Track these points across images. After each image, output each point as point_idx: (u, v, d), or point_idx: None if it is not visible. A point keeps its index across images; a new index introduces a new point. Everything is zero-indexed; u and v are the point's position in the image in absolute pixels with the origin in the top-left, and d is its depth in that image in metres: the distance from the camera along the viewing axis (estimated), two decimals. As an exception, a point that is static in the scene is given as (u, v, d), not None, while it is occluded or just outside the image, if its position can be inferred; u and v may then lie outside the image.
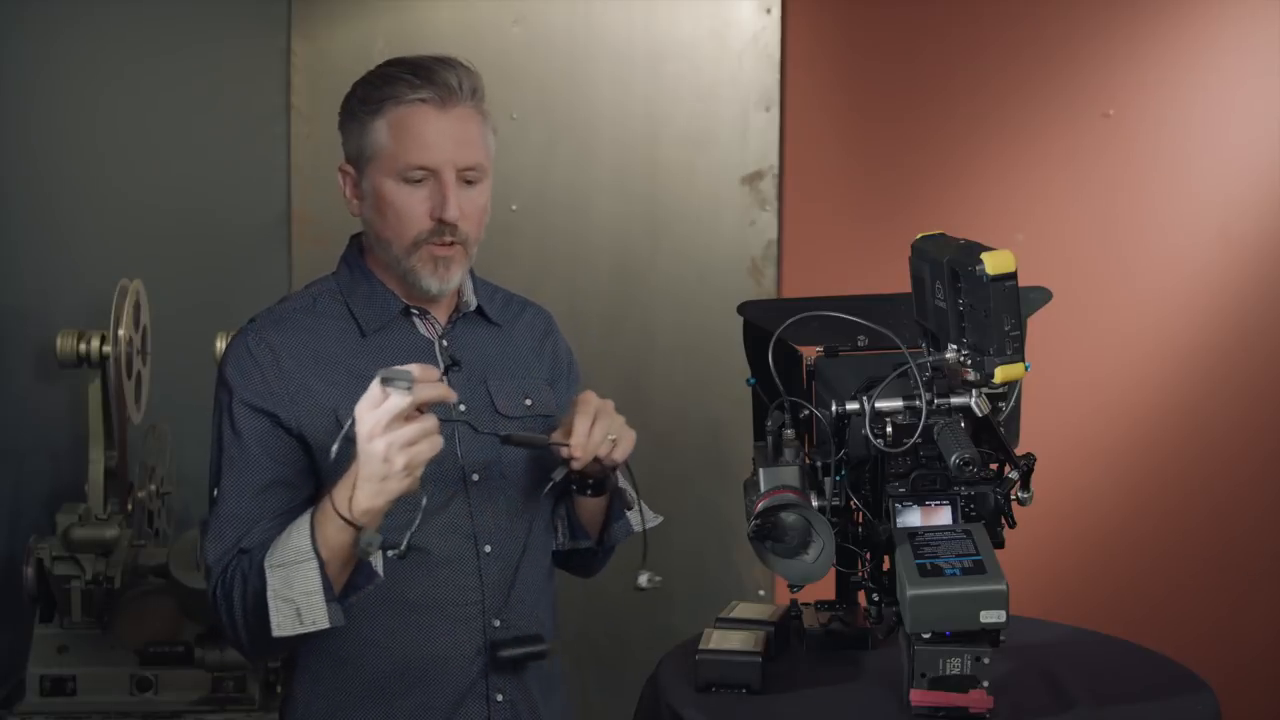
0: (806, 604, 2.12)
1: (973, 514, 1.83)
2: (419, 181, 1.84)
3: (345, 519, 1.68)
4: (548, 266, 3.37)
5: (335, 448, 1.67)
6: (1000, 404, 1.87)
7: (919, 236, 1.94)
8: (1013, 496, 1.86)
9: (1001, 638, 1.73)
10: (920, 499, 1.83)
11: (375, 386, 1.64)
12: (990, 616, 1.69)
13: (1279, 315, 3.31)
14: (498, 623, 1.89)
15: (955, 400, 1.84)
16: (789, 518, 1.80)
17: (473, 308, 1.97)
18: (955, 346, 1.81)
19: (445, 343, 1.93)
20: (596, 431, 1.82)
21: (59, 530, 2.82)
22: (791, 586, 1.83)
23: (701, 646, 1.93)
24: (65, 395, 3.21)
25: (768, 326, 1.96)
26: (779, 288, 3.40)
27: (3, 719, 2.82)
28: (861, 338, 2.01)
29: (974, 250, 1.73)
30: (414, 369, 1.64)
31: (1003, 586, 1.69)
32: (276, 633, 1.70)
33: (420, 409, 1.66)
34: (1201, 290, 3.32)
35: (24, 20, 3.26)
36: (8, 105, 3.25)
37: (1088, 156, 3.33)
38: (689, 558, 3.37)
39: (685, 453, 3.38)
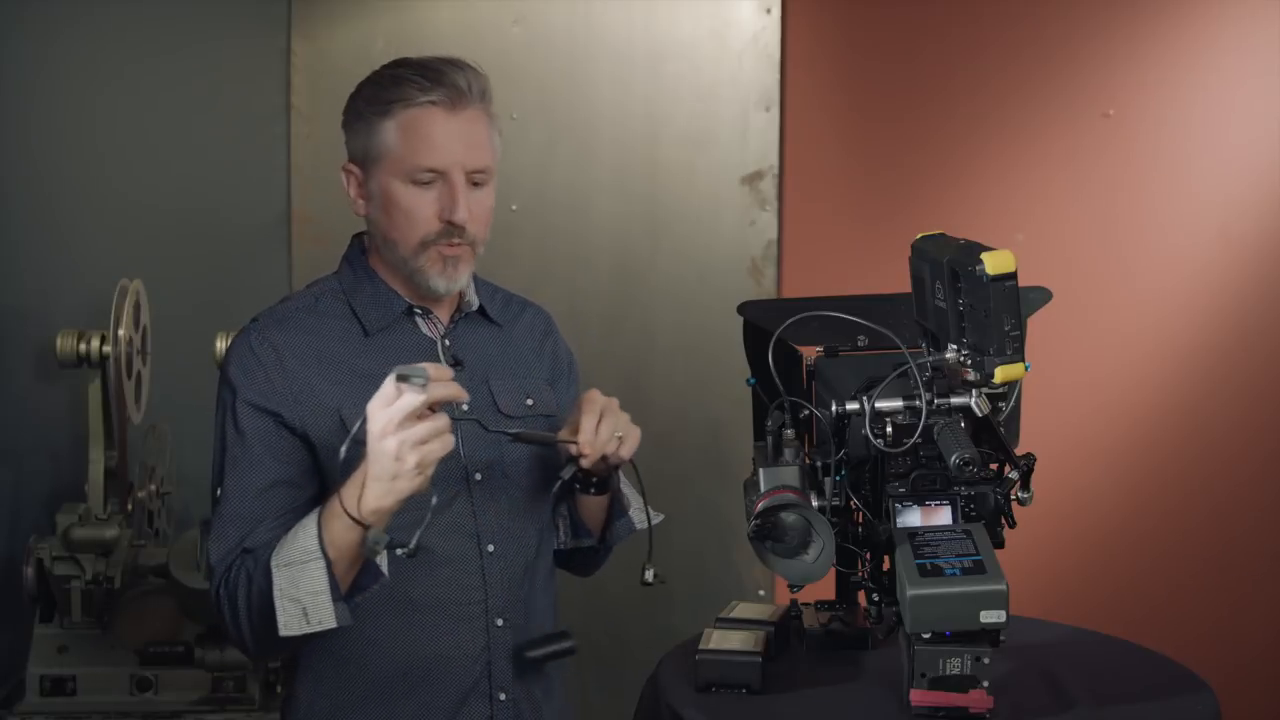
0: (806, 604, 2.12)
1: (973, 514, 1.83)
2: (428, 183, 1.84)
3: (353, 518, 1.68)
4: (548, 266, 3.37)
5: (345, 448, 1.67)
6: (1000, 404, 1.87)
7: (919, 236, 1.94)
8: (1013, 496, 1.86)
9: (1001, 638, 1.73)
10: (920, 499, 1.83)
11: (389, 384, 1.64)
12: (990, 616, 1.69)
13: (1279, 315, 3.31)
14: (500, 622, 1.89)
15: (955, 400, 1.84)
16: (789, 518, 1.80)
17: (475, 307, 1.97)
18: (955, 346, 1.81)
19: (448, 342, 1.94)
20: (603, 429, 1.83)
21: (59, 530, 2.82)
22: (791, 586, 1.83)
23: (701, 646, 1.93)
24: (65, 395, 3.21)
25: (768, 326, 1.96)
26: (779, 288, 3.40)
27: (3, 719, 2.82)
28: (861, 338, 2.01)
29: (974, 250, 1.73)
30: (428, 367, 1.64)
31: (1003, 586, 1.69)
32: (283, 632, 1.70)
33: (431, 408, 1.66)
34: (1201, 290, 3.32)
35: (24, 20, 3.26)
36: (8, 105, 3.25)
37: (1088, 156, 3.33)
38: (689, 558, 3.37)
39: (685, 453, 3.38)
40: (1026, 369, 1.76)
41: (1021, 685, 1.89)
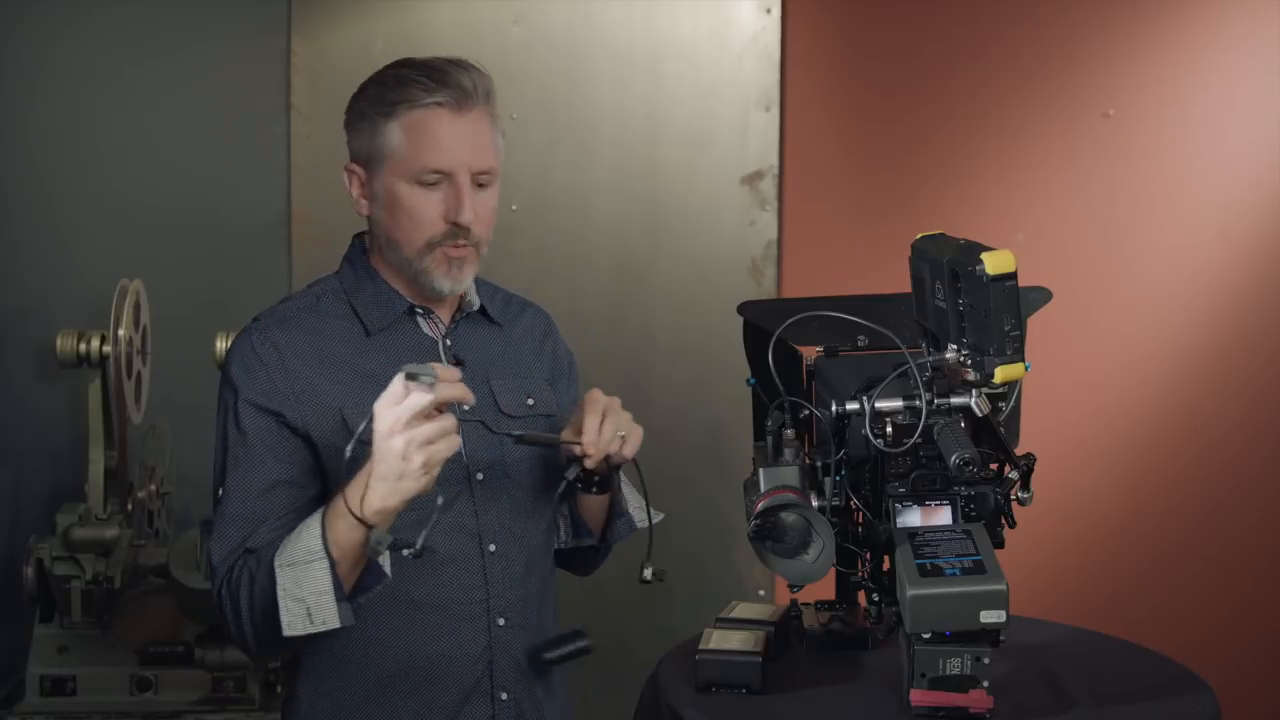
0: (806, 604, 2.12)
1: (973, 514, 1.83)
2: (433, 184, 1.84)
3: (357, 517, 1.68)
4: (548, 266, 3.37)
5: (350, 447, 1.67)
6: (1000, 404, 1.87)
7: (919, 236, 1.94)
8: (1013, 496, 1.86)
9: (1001, 638, 1.73)
10: (920, 499, 1.83)
11: (397, 383, 1.64)
12: (990, 616, 1.69)
13: (1279, 315, 3.31)
14: (502, 621, 1.90)
15: (955, 400, 1.84)
16: (789, 518, 1.80)
17: (476, 307, 1.98)
18: (955, 346, 1.81)
19: (449, 342, 1.94)
20: (606, 429, 1.83)
21: (59, 530, 2.82)
22: (791, 586, 1.83)
23: (701, 646, 1.93)
24: (65, 395, 3.21)
25: (768, 326, 1.96)
26: (779, 288, 3.40)
27: (3, 719, 2.82)
28: (861, 338, 2.01)
29: (974, 250, 1.73)
30: (436, 368, 1.64)
31: (1003, 586, 1.69)
32: (287, 632, 1.70)
33: (438, 408, 1.65)
34: (1201, 290, 3.32)
35: (24, 20, 3.26)
36: (8, 105, 3.25)
37: (1088, 156, 3.33)
38: (689, 558, 3.37)
39: (685, 453, 3.38)
40: (1026, 369, 1.76)
41: (1021, 685, 1.89)
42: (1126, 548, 3.36)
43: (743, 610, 2.09)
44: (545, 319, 2.10)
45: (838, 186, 3.40)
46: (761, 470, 1.90)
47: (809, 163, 3.39)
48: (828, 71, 3.39)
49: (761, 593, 3.38)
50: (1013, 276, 1.71)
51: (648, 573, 1.92)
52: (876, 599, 1.91)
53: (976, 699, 1.72)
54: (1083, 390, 3.33)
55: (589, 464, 1.84)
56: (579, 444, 1.83)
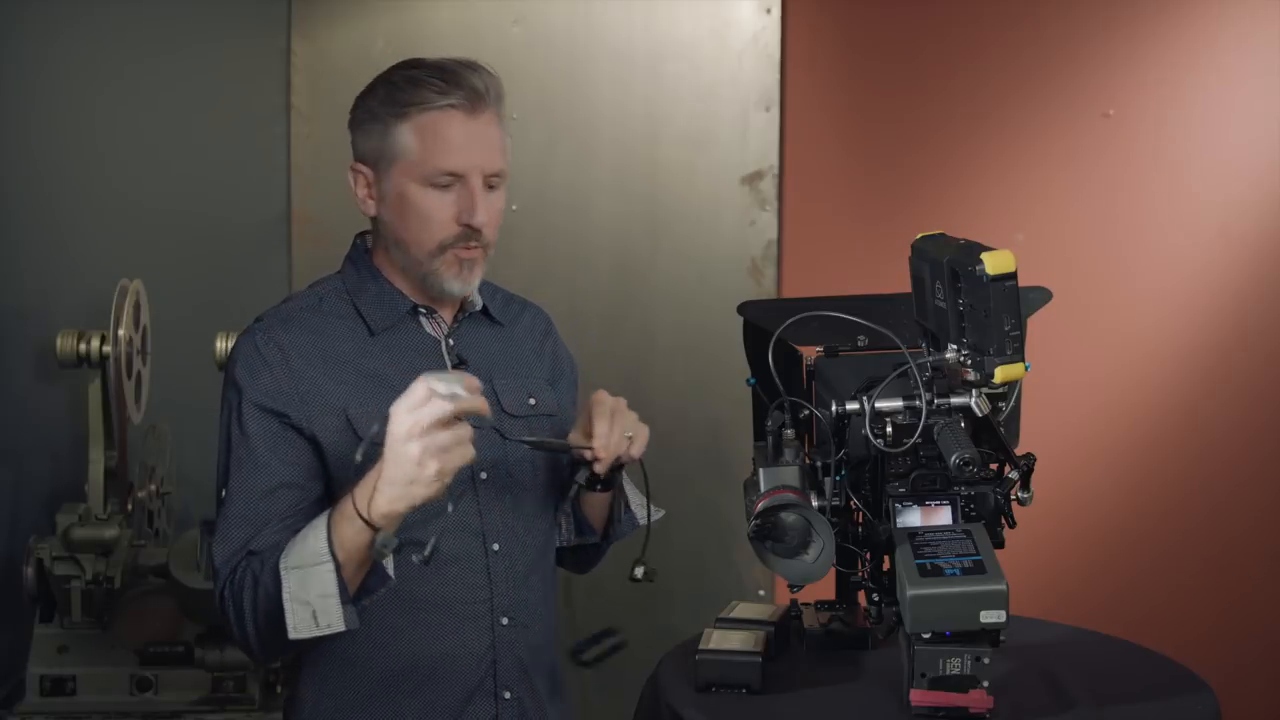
0: (806, 604, 2.12)
1: (973, 514, 1.83)
2: (446, 186, 1.84)
3: (364, 519, 1.67)
4: (548, 266, 3.37)
5: (360, 451, 1.67)
6: (1000, 404, 1.87)
7: (919, 236, 1.94)
8: (1013, 496, 1.86)
9: (1001, 638, 1.73)
10: (920, 499, 1.83)
11: (419, 388, 1.64)
12: (990, 616, 1.69)
13: (1279, 315, 3.31)
14: (505, 621, 1.90)
15: (955, 400, 1.84)
16: (789, 518, 1.80)
17: (479, 307, 1.98)
18: (955, 346, 1.81)
19: (451, 342, 1.94)
20: (615, 431, 1.84)
21: (59, 530, 2.82)
22: (791, 586, 1.83)
23: (701, 646, 1.93)
24: (65, 395, 3.21)
25: (768, 326, 1.96)
26: (779, 288, 3.40)
27: (3, 719, 2.82)
28: (861, 338, 2.01)
29: (974, 250, 1.73)
30: (461, 377, 1.65)
31: (1003, 586, 1.69)
32: (293, 635, 1.69)
33: (457, 417, 1.66)
34: (1201, 290, 3.32)
35: (24, 20, 3.26)
36: (8, 105, 3.25)
37: (1088, 156, 3.33)
38: (689, 558, 3.37)
39: (685, 453, 3.38)
40: (1026, 369, 1.76)
41: (1021, 685, 1.89)
42: (1126, 548, 3.36)
43: (743, 610, 2.09)
44: (545, 319, 2.10)
45: (838, 186, 3.40)
46: (761, 470, 1.90)
47: (809, 163, 3.39)
48: (828, 71, 3.39)
49: (761, 593, 3.38)
50: (1013, 276, 1.71)
51: (639, 571, 1.93)
52: (876, 599, 1.91)
53: (976, 699, 1.72)
54: (1083, 390, 3.33)
55: (599, 468, 1.85)
56: (590, 448, 1.84)
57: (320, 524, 1.71)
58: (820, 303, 2.01)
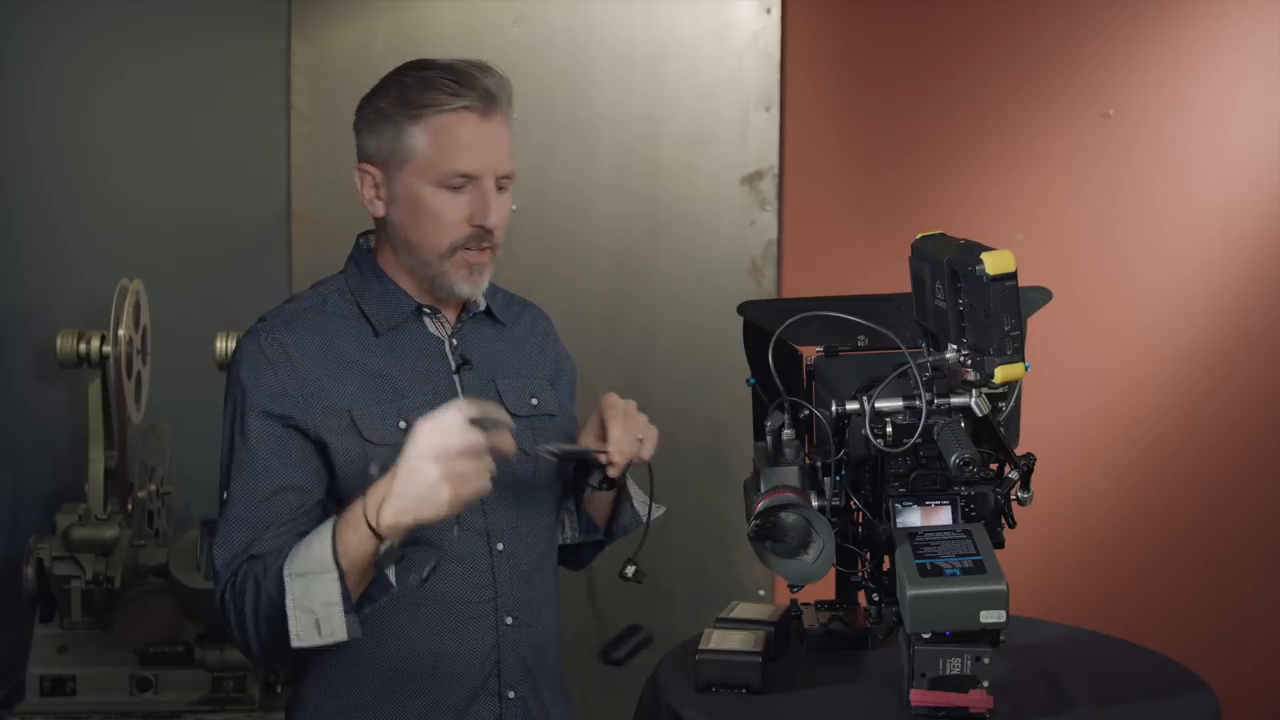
0: (806, 604, 2.12)
1: (973, 514, 1.83)
2: (458, 188, 1.85)
3: (371, 527, 1.67)
4: (548, 266, 3.36)
5: (375, 469, 1.68)
6: (1000, 404, 1.87)
7: (919, 236, 1.94)
8: (1013, 496, 1.86)
9: (1001, 638, 1.73)
10: (920, 499, 1.83)
11: (454, 414, 1.65)
12: (990, 616, 1.69)
13: (1279, 315, 3.31)
14: (510, 620, 1.90)
15: (955, 400, 1.84)
16: (789, 518, 1.80)
17: (482, 308, 1.98)
18: (955, 346, 1.81)
19: (455, 342, 1.94)
20: (627, 434, 1.86)
21: (59, 530, 2.82)
22: (791, 586, 1.83)
23: (701, 646, 1.94)
24: (65, 395, 3.21)
25: (768, 326, 1.96)
26: (779, 288, 3.40)
27: (3, 719, 2.82)
28: (861, 338, 2.01)
29: (974, 250, 1.73)
30: (499, 412, 1.68)
31: (1003, 586, 1.69)
32: (296, 643, 1.69)
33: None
34: (1201, 290, 3.32)
35: (24, 20, 3.26)
36: (8, 105, 3.25)
37: (1088, 156, 3.33)
38: (689, 558, 3.37)
39: (685, 453, 3.37)
40: (1026, 369, 1.76)
41: (1021, 685, 1.89)
42: (1126, 548, 3.36)
43: (743, 610, 2.09)
44: (546, 319, 2.11)
45: (838, 186, 3.40)
46: (761, 470, 1.90)
47: (809, 163, 3.39)
48: (828, 71, 3.39)
49: (761, 593, 3.38)
50: (1013, 276, 1.71)
51: (629, 570, 1.95)
52: (876, 599, 1.91)
53: (976, 699, 1.72)
54: (1083, 390, 3.33)
55: (613, 471, 1.87)
56: (605, 452, 1.85)
57: (326, 531, 1.71)
58: (820, 303, 2.01)
